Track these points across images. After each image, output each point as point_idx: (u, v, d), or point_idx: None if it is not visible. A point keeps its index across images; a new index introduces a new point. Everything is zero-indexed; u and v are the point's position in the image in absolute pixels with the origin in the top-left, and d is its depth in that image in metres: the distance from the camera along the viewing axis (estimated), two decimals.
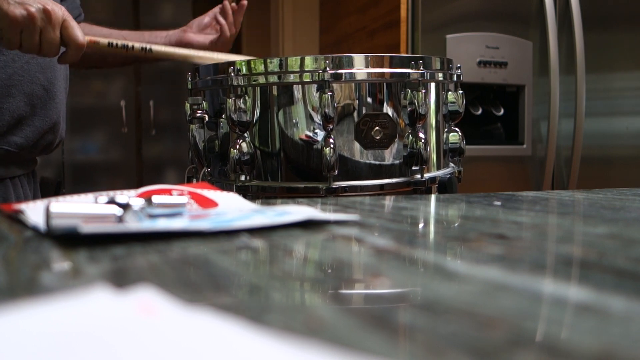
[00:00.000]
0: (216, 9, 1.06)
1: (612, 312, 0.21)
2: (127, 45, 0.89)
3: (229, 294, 0.25)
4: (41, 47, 0.76)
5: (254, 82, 0.73)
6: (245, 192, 0.74)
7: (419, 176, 0.75)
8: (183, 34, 1.07)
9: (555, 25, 1.87)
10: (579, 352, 0.17)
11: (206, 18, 1.07)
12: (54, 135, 0.92)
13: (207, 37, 1.05)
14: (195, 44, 1.04)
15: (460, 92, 0.82)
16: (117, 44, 0.88)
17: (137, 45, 0.90)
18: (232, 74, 0.73)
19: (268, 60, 0.74)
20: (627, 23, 2.01)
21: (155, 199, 0.40)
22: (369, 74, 0.73)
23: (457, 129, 0.83)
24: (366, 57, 0.74)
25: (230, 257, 0.32)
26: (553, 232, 0.40)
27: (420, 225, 0.46)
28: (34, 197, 0.95)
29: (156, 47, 0.92)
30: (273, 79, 0.73)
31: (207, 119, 0.79)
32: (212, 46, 1.04)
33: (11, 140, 0.84)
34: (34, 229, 0.38)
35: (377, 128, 0.73)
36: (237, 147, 0.73)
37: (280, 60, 0.73)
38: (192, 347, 0.16)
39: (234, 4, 1.06)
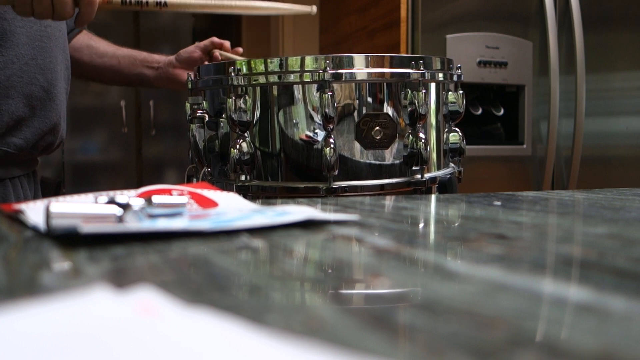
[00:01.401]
0: (208, 43, 1.05)
1: (612, 312, 0.21)
2: (142, 1, 0.88)
3: (229, 294, 0.25)
4: (54, 9, 0.74)
5: (254, 82, 0.73)
6: (245, 192, 0.74)
7: (419, 176, 0.75)
8: (173, 70, 1.07)
9: (555, 25, 1.87)
10: (579, 352, 0.17)
11: (197, 53, 1.06)
12: (54, 137, 0.91)
13: None
14: (185, 81, 1.05)
15: (461, 92, 0.82)
16: (130, 1, 0.87)
17: (152, 0, 0.89)
18: (233, 74, 0.73)
19: (268, 60, 0.74)
20: (627, 23, 2.01)
21: (155, 199, 0.40)
22: (369, 74, 0.73)
23: (457, 129, 0.83)
24: (366, 57, 0.74)
25: (230, 257, 0.32)
26: (553, 232, 0.40)
27: (420, 225, 0.46)
28: (35, 197, 0.95)
29: (171, 1, 0.91)
30: (273, 78, 0.73)
31: (207, 118, 0.79)
32: None
33: (10, 142, 0.84)
34: (34, 229, 0.38)
35: (378, 128, 0.73)
36: (237, 147, 0.73)
37: (281, 60, 0.73)
38: (192, 347, 0.16)
39: (227, 45, 1.05)
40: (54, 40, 0.89)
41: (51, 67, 0.89)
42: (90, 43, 1.10)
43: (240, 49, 1.07)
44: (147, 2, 0.88)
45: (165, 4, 0.89)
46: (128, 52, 1.12)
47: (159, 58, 1.11)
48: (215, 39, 1.05)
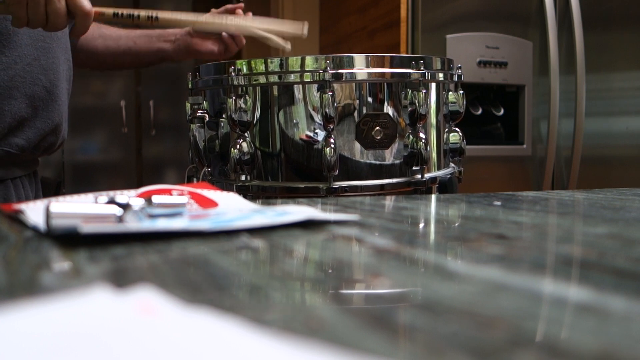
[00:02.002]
0: (222, 11, 1.05)
1: (612, 312, 0.21)
2: (133, 15, 0.88)
3: (229, 294, 0.25)
4: (48, 19, 0.74)
5: (254, 82, 0.73)
6: (246, 192, 0.74)
7: (419, 176, 0.75)
8: (190, 40, 1.07)
9: (555, 25, 1.87)
10: (579, 352, 0.17)
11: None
12: (56, 137, 0.91)
13: (214, 47, 1.06)
14: (204, 51, 1.05)
15: (461, 92, 0.82)
16: (122, 14, 0.88)
17: (143, 13, 0.89)
18: (233, 74, 0.73)
19: (269, 60, 0.74)
20: (627, 23, 2.01)
21: (155, 199, 0.40)
22: (369, 74, 0.73)
23: (457, 129, 0.83)
24: (367, 57, 0.74)
25: (230, 257, 0.32)
26: (553, 232, 0.40)
27: (421, 225, 0.46)
28: (36, 198, 0.95)
29: (162, 15, 0.91)
30: (274, 78, 0.73)
31: (207, 118, 0.79)
32: (218, 56, 1.06)
33: (12, 142, 0.84)
34: (34, 229, 0.38)
35: (378, 128, 0.73)
36: (238, 146, 0.73)
37: (281, 60, 0.73)
38: (192, 347, 0.16)
39: (240, 11, 1.05)
40: (56, 41, 0.89)
41: (54, 67, 0.89)
42: (102, 31, 1.10)
43: (250, 13, 1.06)
44: (138, 16, 0.88)
45: (157, 18, 0.90)
46: (141, 32, 1.11)
47: (174, 31, 1.10)
48: (229, 6, 1.05)
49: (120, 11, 0.88)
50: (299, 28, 0.99)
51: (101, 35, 1.09)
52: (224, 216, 0.41)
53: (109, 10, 0.87)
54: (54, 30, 0.77)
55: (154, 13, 0.91)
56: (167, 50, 1.10)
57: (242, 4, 1.04)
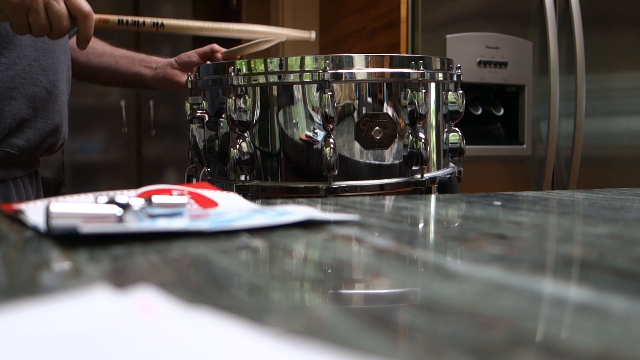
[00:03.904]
0: (208, 49, 1.05)
1: (612, 312, 0.21)
2: (138, 22, 0.88)
3: (229, 294, 0.25)
4: (51, 24, 0.73)
5: (254, 82, 0.73)
6: (245, 192, 0.74)
7: (419, 176, 0.75)
8: (171, 71, 1.07)
9: (555, 25, 1.87)
10: (579, 352, 0.17)
11: (195, 57, 1.05)
12: (56, 138, 0.91)
13: None
14: (182, 83, 1.04)
15: (461, 92, 0.82)
16: (127, 21, 0.87)
17: (148, 20, 0.89)
18: (232, 74, 0.73)
19: (268, 60, 0.74)
20: (627, 23, 2.01)
21: (155, 199, 0.40)
22: (369, 73, 0.73)
23: (457, 129, 0.83)
24: (366, 57, 0.74)
25: (230, 257, 0.32)
26: (553, 232, 0.40)
27: (420, 225, 0.46)
28: (37, 197, 0.95)
29: (167, 22, 0.91)
30: (273, 78, 0.73)
31: (207, 118, 0.79)
32: None
33: (13, 143, 0.84)
34: (34, 229, 0.38)
35: (377, 128, 0.73)
36: (237, 146, 0.73)
37: (281, 60, 0.73)
38: (192, 347, 0.16)
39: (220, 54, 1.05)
40: (56, 42, 0.89)
41: (54, 68, 0.89)
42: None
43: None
44: (143, 23, 0.88)
45: (162, 25, 0.90)
46: (126, 52, 1.12)
47: (157, 59, 1.10)
48: (215, 46, 1.05)
49: (125, 18, 0.88)
50: (306, 35, 0.99)
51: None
52: (224, 216, 0.41)
53: (114, 18, 0.86)
54: (58, 36, 0.75)
55: (159, 20, 0.91)
56: (145, 76, 1.10)
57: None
